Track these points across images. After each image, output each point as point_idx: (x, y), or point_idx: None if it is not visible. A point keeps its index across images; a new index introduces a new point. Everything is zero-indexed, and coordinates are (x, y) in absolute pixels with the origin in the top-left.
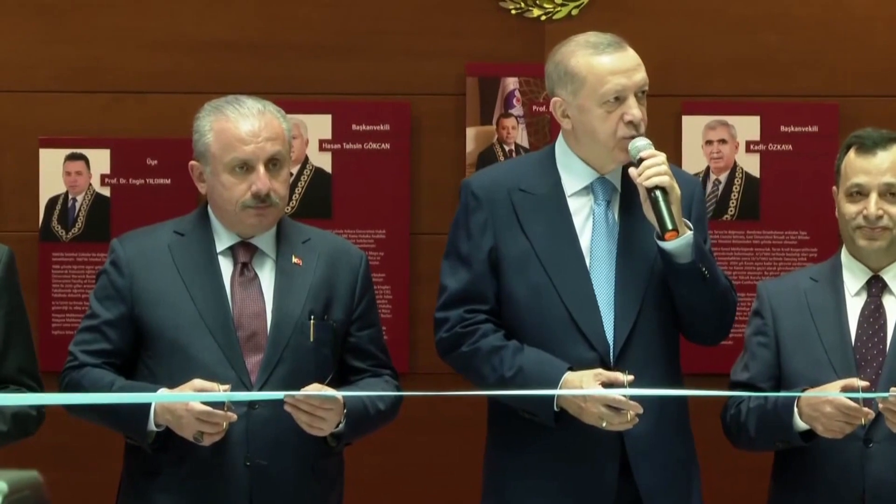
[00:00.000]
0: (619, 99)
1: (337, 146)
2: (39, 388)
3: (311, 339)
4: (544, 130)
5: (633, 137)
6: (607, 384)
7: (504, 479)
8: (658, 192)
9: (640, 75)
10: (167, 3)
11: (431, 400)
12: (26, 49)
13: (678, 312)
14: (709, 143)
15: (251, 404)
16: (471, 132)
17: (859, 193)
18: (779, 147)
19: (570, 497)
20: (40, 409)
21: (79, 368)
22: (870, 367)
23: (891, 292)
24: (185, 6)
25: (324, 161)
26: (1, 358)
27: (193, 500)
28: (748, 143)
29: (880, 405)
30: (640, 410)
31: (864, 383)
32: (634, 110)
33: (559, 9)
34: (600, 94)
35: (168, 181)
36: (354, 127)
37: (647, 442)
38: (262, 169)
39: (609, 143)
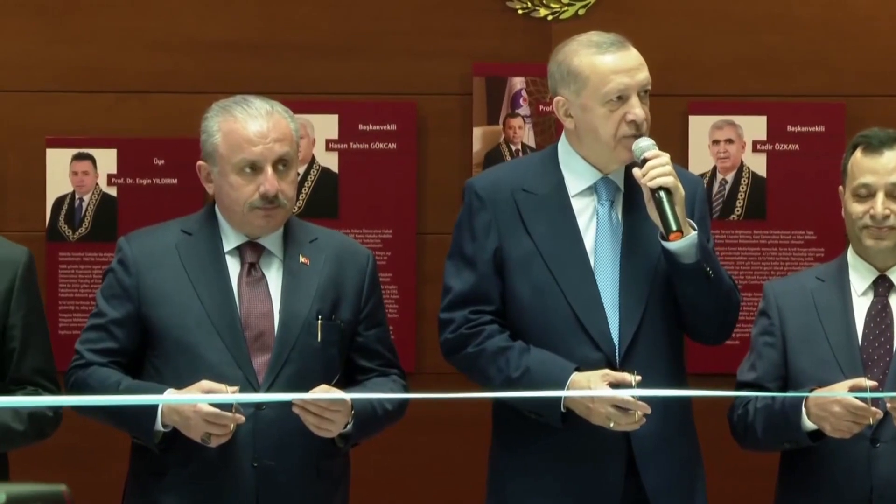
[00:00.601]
0: (622, 98)
1: (343, 146)
2: (56, 390)
3: (319, 339)
4: (551, 130)
5: (635, 137)
6: (615, 384)
7: (508, 479)
8: (662, 193)
9: (643, 74)
10: (170, 3)
11: (437, 399)
12: (28, 49)
13: (682, 312)
14: (715, 142)
15: (258, 405)
16: (477, 132)
17: (866, 193)
18: (785, 147)
19: (575, 497)
20: (57, 411)
21: (85, 367)
22: (876, 367)
23: None
24: (187, 6)
25: (330, 161)
26: (19, 359)
27: (200, 501)
28: (755, 143)
29: (888, 405)
30: (648, 411)
31: (872, 383)
32: (637, 110)
33: (566, 8)
34: (603, 93)
35: (175, 181)
36: (361, 127)
37: (652, 442)
38: (270, 170)
39: (611, 142)
